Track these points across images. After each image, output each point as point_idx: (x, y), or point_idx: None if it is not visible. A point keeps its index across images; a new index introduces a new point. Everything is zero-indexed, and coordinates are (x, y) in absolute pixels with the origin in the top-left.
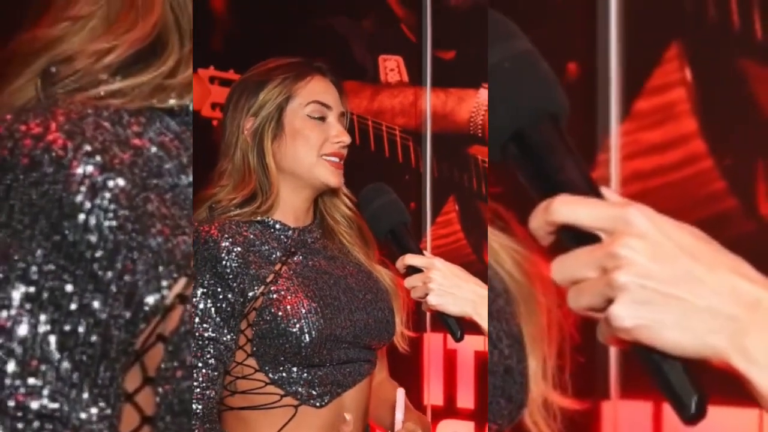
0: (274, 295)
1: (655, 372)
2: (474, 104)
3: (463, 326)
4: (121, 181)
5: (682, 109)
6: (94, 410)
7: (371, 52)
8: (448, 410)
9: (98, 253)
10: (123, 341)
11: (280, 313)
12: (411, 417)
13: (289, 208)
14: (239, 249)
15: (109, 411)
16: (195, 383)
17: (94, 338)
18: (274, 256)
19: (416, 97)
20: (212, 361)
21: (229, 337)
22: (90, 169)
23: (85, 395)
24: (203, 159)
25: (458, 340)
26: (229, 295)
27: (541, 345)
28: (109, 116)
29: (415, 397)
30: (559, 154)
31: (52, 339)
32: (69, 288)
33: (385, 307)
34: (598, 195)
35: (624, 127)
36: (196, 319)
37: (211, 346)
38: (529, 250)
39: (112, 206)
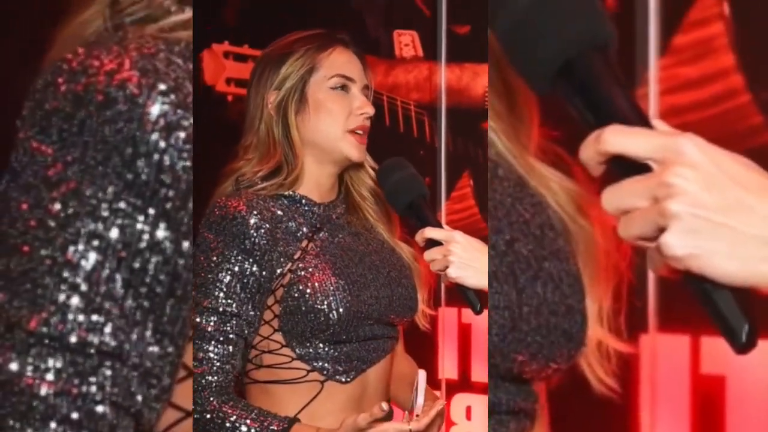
0: (302, 272)
1: (706, 301)
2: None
3: (482, 299)
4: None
5: (720, 43)
6: (155, 349)
7: (386, 26)
8: (463, 384)
9: (171, 193)
10: (191, 281)
11: (308, 291)
12: (427, 397)
13: (314, 183)
14: (267, 226)
15: (171, 349)
16: (214, 356)
17: (162, 277)
18: (300, 232)
19: (431, 72)
20: (232, 336)
21: (253, 313)
22: (165, 108)
23: (148, 333)
24: (218, 134)
25: (477, 313)
26: (257, 271)
27: (597, 288)
28: (180, 51)
29: (429, 371)
30: (608, 84)
31: (118, 276)
32: (140, 226)
33: (409, 284)
34: (648, 125)
35: (662, 62)
36: (221, 294)
37: (234, 321)
38: (587, 191)
39: (187, 146)
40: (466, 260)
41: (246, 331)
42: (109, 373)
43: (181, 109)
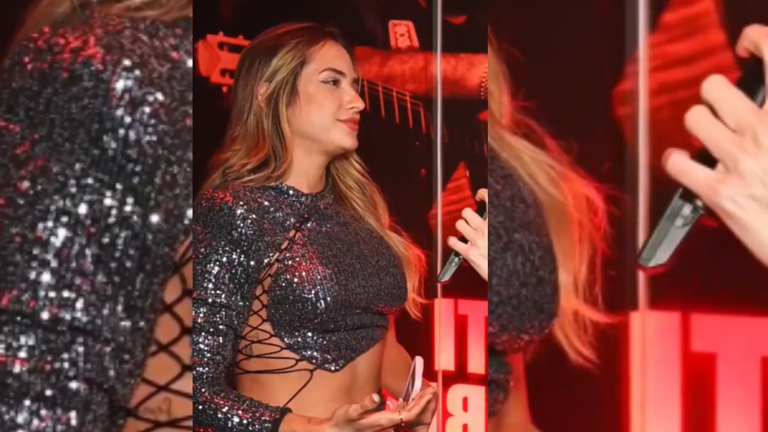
0: (289, 262)
1: (667, 218)
2: (485, 69)
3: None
4: (160, 96)
5: (710, 20)
6: (126, 323)
7: (381, 17)
8: (459, 375)
9: (138, 168)
10: (161, 255)
11: (295, 280)
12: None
13: (303, 175)
14: (254, 216)
15: (142, 324)
16: (205, 347)
17: (131, 251)
18: (287, 222)
19: (426, 63)
20: (222, 327)
21: (242, 303)
22: (129, 83)
23: (119, 308)
24: (213, 125)
25: (438, 280)
26: (244, 262)
27: (572, 259)
28: (146, 28)
29: (426, 362)
30: None
31: (88, 252)
32: (108, 202)
33: (398, 273)
34: None
35: (652, 39)
36: (210, 285)
37: (223, 312)
38: (561, 164)
39: (152, 121)
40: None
41: (235, 322)
42: (81, 349)
43: (146, 85)
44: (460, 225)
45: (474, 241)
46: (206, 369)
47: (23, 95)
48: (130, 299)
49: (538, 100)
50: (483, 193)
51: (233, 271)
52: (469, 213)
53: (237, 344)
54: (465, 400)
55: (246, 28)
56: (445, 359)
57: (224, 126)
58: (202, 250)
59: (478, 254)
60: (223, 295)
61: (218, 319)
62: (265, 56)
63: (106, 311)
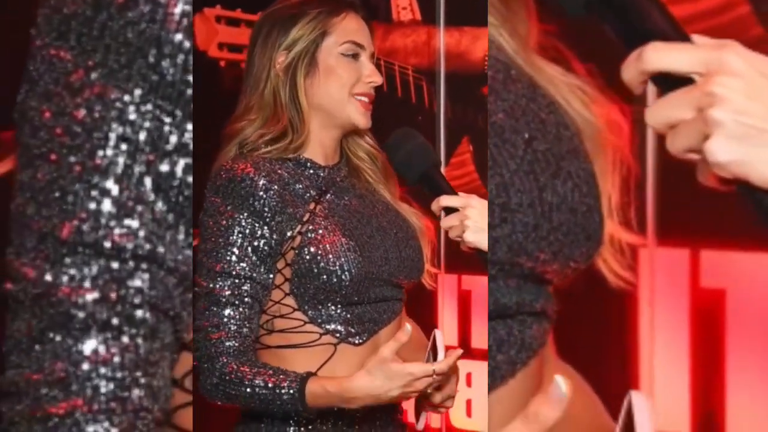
0: (312, 234)
1: (760, 209)
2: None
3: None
4: None
5: None
6: (188, 252)
7: None
8: (463, 351)
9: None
10: None
11: (319, 252)
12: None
13: (319, 146)
14: (276, 187)
15: None
16: (231, 321)
17: (190, 178)
18: (307, 194)
19: (429, 36)
20: (248, 299)
21: (266, 276)
22: (188, 8)
23: (181, 236)
24: (211, 99)
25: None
26: (267, 234)
27: (606, 182)
28: None
29: (428, 336)
30: (643, 2)
31: (148, 180)
32: (167, 128)
33: (415, 246)
34: (688, 40)
35: None
36: (233, 258)
37: (248, 285)
38: (589, 86)
39: None
40: (483, 224)
41: (260, 295)
42: (146, 276)
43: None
44: (445, 224)
45: (464, 221)
46: (233, 342)
47: (75, 21)
48: (190, 228)
49: (561, 24)
50: (442, 201)
51: (255, 244)
52: (443, 201)
53: (259, 319)
54: (469, 376)
55: (244, 1)
56: (448, 334)
57: (223, 100)
58: (224, 222)
59: (472, 234)
60: (247, 268)
61: (244, 291)
62: (285, 25)
63: (167, 239)
